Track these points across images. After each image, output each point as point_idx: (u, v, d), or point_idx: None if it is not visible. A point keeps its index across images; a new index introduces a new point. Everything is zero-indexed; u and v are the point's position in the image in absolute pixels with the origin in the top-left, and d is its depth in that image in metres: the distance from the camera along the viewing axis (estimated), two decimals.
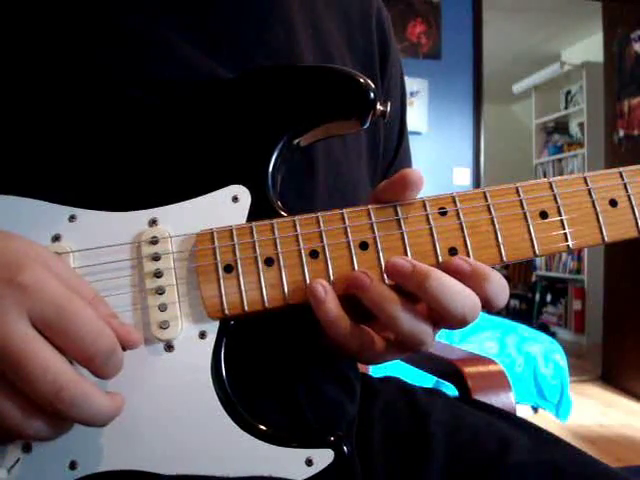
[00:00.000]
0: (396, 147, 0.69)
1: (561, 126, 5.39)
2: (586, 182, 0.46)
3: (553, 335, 3.96)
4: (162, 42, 0.49)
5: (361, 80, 0.46)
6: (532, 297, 5.45)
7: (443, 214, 0.45)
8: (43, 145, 0.47)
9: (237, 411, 0.42)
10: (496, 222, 0.45)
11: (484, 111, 3.58)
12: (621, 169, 0.47)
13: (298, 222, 0.44)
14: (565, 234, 0.45)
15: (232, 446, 0.41)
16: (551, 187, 0.46)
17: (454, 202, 0.45)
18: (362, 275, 0.42)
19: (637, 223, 0.46)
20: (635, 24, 3.25)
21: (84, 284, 0.39)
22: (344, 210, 0.44)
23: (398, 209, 0.45)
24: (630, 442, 2.68)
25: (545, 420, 2.59)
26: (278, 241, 0.43)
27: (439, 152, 3.43)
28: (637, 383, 3.26)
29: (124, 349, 0.38)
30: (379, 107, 0.46)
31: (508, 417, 0.64)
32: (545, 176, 5.14)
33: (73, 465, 0.40)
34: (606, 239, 0.46)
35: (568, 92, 5.31)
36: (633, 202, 0.46)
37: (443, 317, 0.41)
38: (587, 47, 4.90)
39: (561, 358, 2.64)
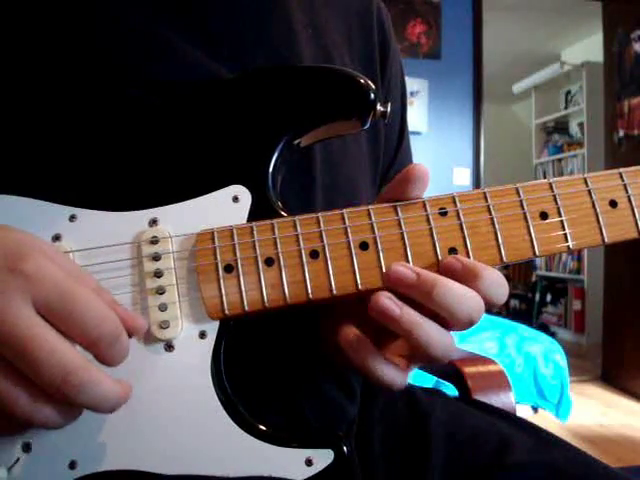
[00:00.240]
0: (396, 147, 0.69)
1: (561, 126, 5.39)
2: (586, 183, 0.46)
3: (553, 335, 3.96)
4: (162, 42, 0.49)
5: (361, 80, 0.46)
6: (532, 297, 5.45)
7: (443, 214, 0.45)
8: (43, 145, 0.47)
9: (237, 411, 0.42)
10: (496, 222, 0.45)
11: (484, 111, 3.58)
12: (621, 170, 0.47)
13: (298, 222, 0.44)
14: (565, 235, 0.45)
15: (232, 446, 0.41)
16: (551, 188, 0.46)
17: (454, 202, 0.45)
18: (391, 304, 0.40)
19: (637, 224, 0.46)
20: (635, 24, 3.25)
21: (86, 274, 0.39)
22: (344, 210, 0.44)
23: (398, 209, 0.45)
24: (630, 442, 2.68)
25: (545, 420, 2.58)
26: (278, 241, 0.43)
27: (439, 152, 3.43)
28: (637, 383, 3.26)
29: (130, 335, 0.38)
30: (379, 108, 0.46)
31: (508, 417, 0.64)
32: (545, 176, 5.15)
33: (73, 465, 0.40)
34: (606, 240, 0.46)
35: (568, 92, 5.31)
36: (633, 203, 0.46)
37: (450, 322, 0.41)
38: (587, 47, 4.90)
39: (561, 358, 2.64)
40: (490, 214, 0.45)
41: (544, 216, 0.45)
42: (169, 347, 0.42)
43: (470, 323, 0.41)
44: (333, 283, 0.43)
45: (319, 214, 0.44)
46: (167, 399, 0.42)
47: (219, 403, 0.42)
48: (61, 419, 0.36)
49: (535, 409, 2.76)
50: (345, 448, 0.42)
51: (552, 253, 0.46)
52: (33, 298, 0.34)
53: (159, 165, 0.46)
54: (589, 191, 0.46)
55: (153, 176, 0.46)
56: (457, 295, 0.40)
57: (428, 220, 0.44)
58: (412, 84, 3.29)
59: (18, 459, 0.39)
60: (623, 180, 0.47)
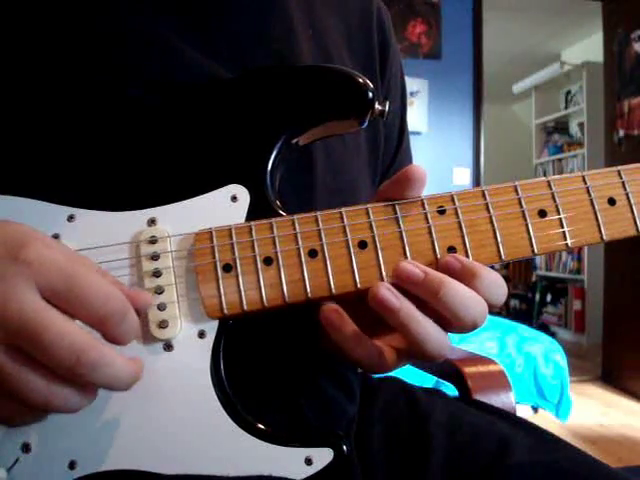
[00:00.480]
0: (396, 147, 0.69)
1: (561, 126, 5.39)
2: (584, 180, 0.46)
3: (553, 335, 3.96)
4: (162, 42, 0.49)
5: (359, 79, 0.46)
6: (532, 297, 5.45)
7: (442, 213, 0.45)
8: (42, 145, 0.47)
9: (236, 410, 0.42)
10: (495, 221, 0.45)
11: (484, 111, 3.58)
12: (619, 167, 0.47)
13: (297, 221, 0.44)
14: (564, 232, 0.45)
15: (232, 445, 0.41)
16: (549, 185, 0.46)
17: (453, 201, 0.45)
18: (391, 296, 0.41)
19: (635, 221, 0.46)
20: (635, 24, 3.25)
21: (86, 257, 0.39)
22: (343, 209, 0.44)
23: (397, 208, 0.45)
24: (630, 442, 2.67)
25: (545, 420, 2.58)
26: (277, 240, 0.43)
27: (439, 152, 3.43)
28: (637, 383, 3.26)
29: (138, 314, 0.38)
30: (378, 106, 0.46)
31: (508, 417, 0.64)
32: (545, 176, 5.14)
33: (72, 465, 0.40)
34: (605, 237, 0.45)
35: (568, 92, 5.31)
36: (631, 200, 0.46)
37: (453, 323, 0.41)
38: (587, 47, 4.90)
39: (561, 358, 2.64)
40: (489, 212, 0.45)
41: (543, 214, 0.45)
42: (168, 347, 0.42)
43: (473, 327, 0.41)
44: (332, 282, 0.43)
45: (317, 213, 0.44)
46: (166, 399, 0.42)
47: (218, 402, 0.42)
48: (78, 400, 0.36)
49: (535, 409, 2.76)
50: (345, 447, 0.42)
51: (551, 251, 0.46)
52: (37, 284, 0.34)
53: (158, 165, 0.46)
54: (587, 189, 0.46)
55: (152, 176, 0.46)
56: (463, 298, 0.41)
57: (427, 218, 0.44)
58: (412, 84, 3.29)
59: (18, 459, 0.39)
60: (621, 178, 0.47)
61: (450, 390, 0.80)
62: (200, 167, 0.46)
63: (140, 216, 0.44)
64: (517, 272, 5.57)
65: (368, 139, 0.62)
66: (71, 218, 0.44)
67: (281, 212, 0.45)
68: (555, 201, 0.45)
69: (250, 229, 0.44)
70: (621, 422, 2.94)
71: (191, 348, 0.43)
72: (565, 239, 0.45)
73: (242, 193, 0.45)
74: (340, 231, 0.44)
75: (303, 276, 0.43)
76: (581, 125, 4.98)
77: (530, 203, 0.45)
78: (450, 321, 0.41)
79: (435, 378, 1.91)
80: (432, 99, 3.43)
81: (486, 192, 0.45)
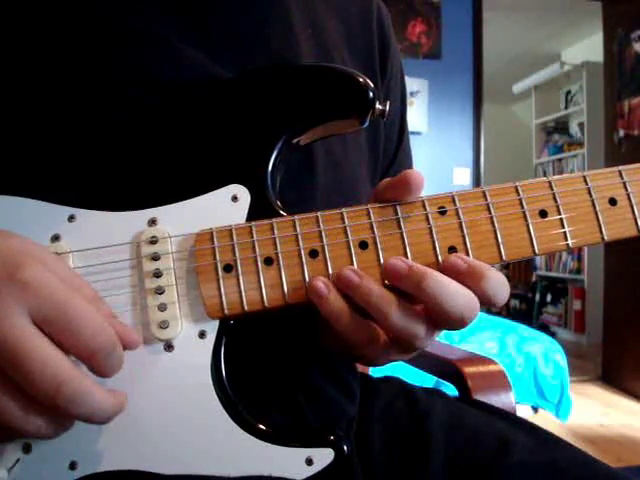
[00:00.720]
0: (396, 147, 0.69)
1: (561, 126, 5.40)
2: (585, 181, 0.46)
3: (553, 335, 3.96)
4: (162, 42, 0.49)
5: (360, 79, 0.46)
6: (532, 297, 5.45)
7: (442, 213, 0.45)
8: (43, 145, 0.47)
9: (237, 411, 0.42)
10: (495, 221, 0.44)
11: (484, 111, 3.58)
12: (620, 168, 0.47)
13: (298, 222, 0.44)
14: (564, 233, 0.45)
15: (232, 446, 0.41)
16: (550, 186, 0.46)
17: (453, 201, 0.45)
18: (350, 273, 0.42)
19: (636, 221, 0.46)
20: (635, 24, 3.25)
21: (84, 283, 0.39)
22: (344, 210, 0.44)
23: (398, 208, 0.45)
24: (630, 442, 2.67)
25: (545, 420, 2.59)
26: (278, 241, 0.43)
27: (439, 152, 3.43)
28: (637, 383, 3.26)
29: (124, 349, 0.38)
30: (378, 106, 0.46)
31: (508, 417, 0.64)
32: (545, 176, 5.14)
33: (73, 465, 0.40)
34: (605, 238, 0.45)
35: (568, 92, 5.31)
36: (632, 201, 0.46)
37: (441, 317, 0.41)
38: (587, 47, 4.90)
39: (561, 358, 2.64)
40: (489, 212, 0.45)
41: (543, 214, 0.45)
42: (169, 347, 0.42)
43: (462, 320, 0.41)
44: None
45: (318, 213, 0.44)
46: (167, 399, 0.42)
47: (219, 403, 0.42)
48: (53, 430, 0.35)
49: (535, 409, 2.76)
50: (345, 447, 0.42)
51: (552, 251, 0.46)
52: (29, 308, 0.34)
53: (158, 165, 0.46)
54: (588, 189, 0.46)
55: (152, 176, 0.46)
56: (448, 289, 0.40)
57: (427, 219, 0.44)
58: (412, 84, 3.29)
59: (18, 460, 0.39)
60: (622, 178, 0.47)
61: (450, 390, 0.80)
62: (200, 167, 0.46)
63: (141, 216, 0.44)
64: (517, 272, 5.57)
65: (369, 139, 0.62)
66: (71, 218, 0.44)
67: (282, 212, 0.45)
68: (556, 201, 0.45)
69: (251, 229, 0.44)
70: (621, 422, 2.94)
71: (192, 348, 0.43)
72: (566, 239, 0.45)
73: (243, 193, 0.45)
74: (341, 231, 0.44)
75: (304, 276, 0.43)
76: (581, 125, 4.98)
77: (531, 203, 0.45)
78: (438, 315, 0.41)
79: (435, 378, 1.91)
80: (432, 99, 3.43)
81: (487, 192, 0.45)
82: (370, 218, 0.44)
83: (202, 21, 0.52)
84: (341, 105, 0.46)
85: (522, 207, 0.45)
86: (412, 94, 3.34)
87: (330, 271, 0.43)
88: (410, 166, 0.72)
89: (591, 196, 0.46)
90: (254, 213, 0.44)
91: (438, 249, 0.44)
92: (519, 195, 0.45)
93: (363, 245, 0.44)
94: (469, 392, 0.80)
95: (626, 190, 0.46)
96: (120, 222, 0.44)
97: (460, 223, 0.44)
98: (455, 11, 3.48)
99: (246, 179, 0.45)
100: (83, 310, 0.35)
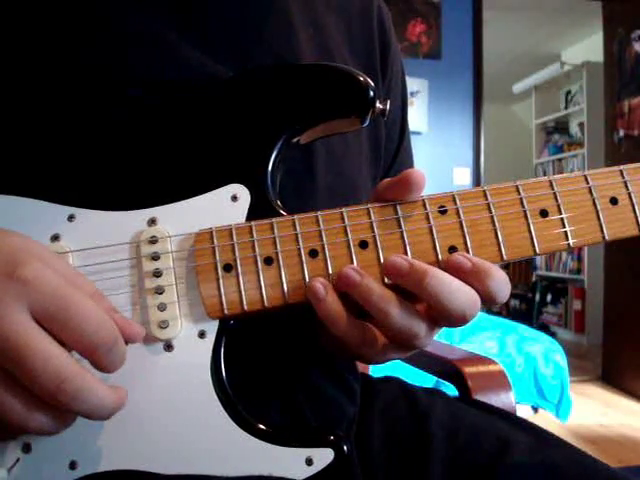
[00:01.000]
0: (397, 146, 0.69)
1: (561, 126, 5.40)
2: (586, 180, 0.46)
3: (553, 335, 3.96)
4: (162, 42, 0.49)
5: (360, 78, 0.46)
6: (532, 297, 5.45)
7: (443, 213, 0.45)
8: (43, 145, 0.47)
9: (237, 411, 0.42)
10: (496, 220, 0.44)
11: (484, 111, 3.58)
12: (622, 167, 0.47)
13: (298, 221, 0.44)
14: (565, 232, 0.45)
15: (232, 446, 0.41)
16: (551, 185, 0.46)
17: (454, 200, 0.45)
18: (351, 272, 0.41)
19: (637, 221, 0.46)
20: (635, 24, 3.25)
21: (84, 280, 0.39)
22: (344, 209, 0.44)
23: (398, 208, 0.44)
24: (630, 442, 2.67)
25: (545, 420, 2.58)
26: (277, 240, 0.43)
27: (439, 152, 3.43)
28: (637, 383, 3.26)
29: (126, 342, 0.38)
30: (378, 105, 0.46)
31: (508, 417, 0.64)
32: (545, 176, 5.14)
33: (73, 465, 0.40)
34: (606, 237, 0.45)
35: (568, 92, 5.31)
36: (634, 200, 0.46)
37: (443, 315, 0.41)
38: (587, 47, 4.90)
39: (561, 358, 2.64)
40: (490, 212, 0.45)
41: (544, 214, 0.45)
42: (168, 347, 0.42)
43: (463, 318, 0.41)
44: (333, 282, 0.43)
45: (318, 213, 0.44)
46: (167, 399, 0.42)
47: (219, 403, 0.42)
48: (55, 426, 0.35)
49: (535, 409, 2.76)
50: (345, 447, 0.42)
51: (552, 251, 0.45)
52: (30, 305, 0.34)
53: (158, 164, 0.46)
54: (589, 188, 0.46)
55: (152, 175, 0.46)
56: (450, 287, 0.40)
57: (428, 218, 0.44)
58: (412, 84, 3.29)
59: (18, 460, 0.39)
60: (623, 177, 0.47)
61: (450, 390, 0.80)
62: (200, 166, 0.46)
63: (140, 216, 0.44)
64: (517, 272, 5.57)
65: (370, 138, 0.62)
66: (71, 218, 0.44)
67: (282, 212, 0.45)
68: (557, 201, 0.45)
69: (251, 229, 0.44)
70: (621, 422, 2.94)
71: (191, 348, 0.42)
72: (567, 239, 0.45)
73: (243, 193, 0.45)
74: (341, 231, 0.44)
75: (304, 276, 0.43)
76: (581, 125, 4.98)
77: (532, 203, 0.45)
78: (439, 312, 0.41)
79: (435, 378, 1.91)
80: (432, 99, 3.43)
81: (487, 192, 0.45)
82: (370, 217, 0.44)
83: (202, 21, 0.52)
84: (341, 104, 0.46)
85: (523, 206, 0.45)
86: (412, 94, 3.33)
87: (330, 271, 0.43)
88: (411, 166, 0.72)
89: (592, 195, 0.46)
90: (254, 213, 0.44)
91: (438, 248, 0.44)
92: (520, 194, 0.45)
93: (363, 244, 0.44)
94: (469, 392, 0.80)
95: (627, 189, 0.46)
96: (120, 222, 0.44)
97: (460, 222, 0.44)
98: (455, 11, 3.48)
99: (246, 178, 0.45)
100: (84, 305, 0.35)
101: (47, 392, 0.33)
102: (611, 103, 3.47)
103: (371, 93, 0.46)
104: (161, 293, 0.42)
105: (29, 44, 0.47)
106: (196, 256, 0.43)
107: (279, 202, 0.45)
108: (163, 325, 0.42)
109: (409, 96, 2.97)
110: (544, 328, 4.64)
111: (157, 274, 0.43)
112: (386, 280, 0.43)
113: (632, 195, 0.46)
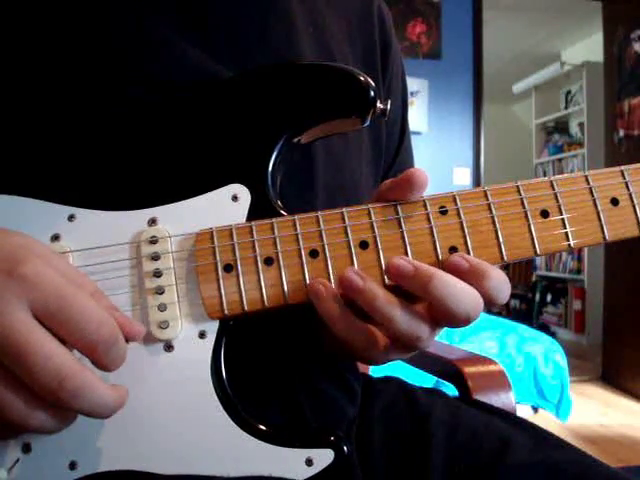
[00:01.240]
0: (397, 146, 0.69)
1: (561, 126, 5.39)
2: (587, 181, 0.46)
3: (553, 335, 3.96)
4: (162, 41, 0.49)
5: (361, 78, 0.46)
6: (532, 297, 5.45)
7: (443, 213, 0.45)
8: (43, 144, 0.47)
9: (237, 411, 0.42)
10: (497, 221, 0.44)
11: (484, 111, 3.58)
12: (622, 167, 0.47)
13: (298, 221, 0.44)
14: (566, 233, 0.45)
15: (232, 446, 0.41)
16: (552, 186, 0.46)
17: (454, 201, 0.45)
18: (353, 275, 0.41)
19: (638, 222, 0.46)
20: (635, 24, 3.25)
21: (85, 278, 0.39)
22: (344, 209, 0.44)
23: (398, 208, 0.44)
24: (630, 442, 2.67)
25: (545, 420, 2.59)
26: (278, 240, 0.43)
27: (439, 152, 3.43)
28: (637, 383, 3.26)
29: (127, 341, 0.38)
30: (379, 105, 0.46)
31: (508, 417, 0.64)
32: (545, 176, 5.14)
33: (73, 465, 0.40)
34: (607, 238, 0.45)
35: (568, 92, 5.31)
36: (634, 201, 0.46)
37: (446, 317, 0.41)
38: (587, 47, 4.90)
39: (561, 358, 2.64)
40: (491, 212, 0.45)
41: (545, 214, 0.45)
42: (169, 347, 0.42)
43: (467, 320, 0.41)
44: (333, 282, 0.43)
45: (319, 213, 0.44)
46: (167, 399, 0.42)
47: (219, 403, 0.42)
48: (55, 424, 0.35)
49: (535, 409, 2.76)
50: (345, 448, 0.42)
51: (553, 252, 0.45)
52: (30, 303, 0.34)
53: (158, 164, 0.46)
54: (590, 189, 0.46)
55: (152, 175, 0.46)
56: (455, 290, 0.40)
57: (428, 219, 0.44)
58: (412, 84, 3.29)
59: (18, 459, 0.39)
60: (624, 178, 0.47)
61: (450, 390, 0.80)
62: (201, 166, 0.46)
63: (141, 216, 0.44)
64: (517, 272, 5.56)
65: (371, 138, 0.62)
66: (71, 218, 0.44)
67: (282, 212, 0.45)
68: (558, 201, 0.45)
69: (251, 229, 0.44)
70: (621, 422, 2.94)
71: (192, 348, 0.42)
72: (568, 240, 0.45)
73: (243, 193, 0.45)
74: (341, 231, 0.44)
75: (304, 276, 0.43)
76: (581, 125, 4.97)
77: (532, 203, 0.45)
78: (443, 314, 0.41)
79: (435, 378, 1.91)
80: (432, 99, 3.43)
81: (488, 192, 0.45)
82: (371, 218, 0.44)
83: (203, 20, 0.52)
84: (342, 104, 0.46)
85: (523, 207, 0.45)
86: (412, 94, 3.33)
87: (330, 271, 0.43)
88: (412, 165, 0.72)
89: (593, 196, 0.46)
90: (254, 213, 0.44)
91: (439, 249, 0.44)
92: (520, 195, 0.45)
93: (364, 245, 0.44)
94: (469, 392, 0.80)
95: (628, 190, 0.46)
96: (120, 222, 0.44)
97: (461, 223, 0.44)
98: (455, 11, 3.48)
99: (246, 178, 0.45)
100: (84, 303, 0.35)
101: (48, 390, 0.33)
102: (611, 103, 3.47)
103: (372, 93, 0.45)
104: (161, 293, 0.42)
105: (29, 44, 0.47)
106: (196, 256, 0.43)
107: (279, 202, 0.45)
108: (163, 325, 0.42)
109: (409, 96, 2.97)
110: (544, 328, 4.64)
111: (157, 274, 0.43)
112: (387, 281, 0.43)
113: (633, 196, 0.46)
